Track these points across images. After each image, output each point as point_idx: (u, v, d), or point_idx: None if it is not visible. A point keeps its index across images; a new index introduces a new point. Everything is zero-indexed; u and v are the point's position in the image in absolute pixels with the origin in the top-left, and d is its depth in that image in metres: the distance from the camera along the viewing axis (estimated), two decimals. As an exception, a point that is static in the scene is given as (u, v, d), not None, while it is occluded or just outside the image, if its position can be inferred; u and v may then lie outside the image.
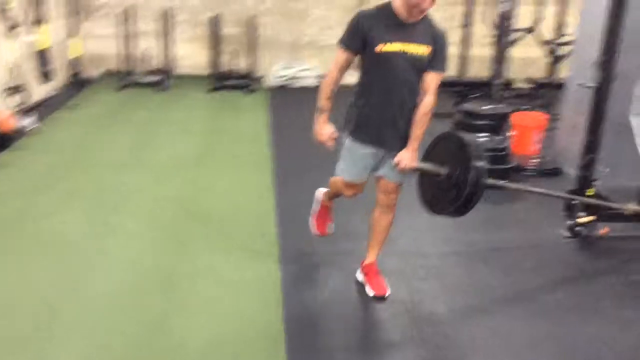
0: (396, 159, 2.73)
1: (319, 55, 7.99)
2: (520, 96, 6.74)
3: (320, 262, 3.37)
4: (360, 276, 3.12)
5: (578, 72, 4.64)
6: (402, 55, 2.63)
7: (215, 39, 7.60)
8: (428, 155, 2.84)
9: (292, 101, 7.25)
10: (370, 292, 3.00)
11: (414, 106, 2.72)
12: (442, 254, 3.50)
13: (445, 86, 5.36)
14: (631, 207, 3.52)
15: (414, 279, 3.21)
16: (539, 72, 7.47)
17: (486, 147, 4.38)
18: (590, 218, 3.60)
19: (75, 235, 3.58)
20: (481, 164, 2.60)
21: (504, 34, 5.82)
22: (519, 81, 7.19)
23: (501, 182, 3.16)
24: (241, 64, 7.88)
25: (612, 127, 3.96)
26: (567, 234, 3.68)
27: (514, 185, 3.90)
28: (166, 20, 7.52)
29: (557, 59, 6.97)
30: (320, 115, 2.78)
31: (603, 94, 3.52)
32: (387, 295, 2.98)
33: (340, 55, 2.71)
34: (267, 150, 5.27)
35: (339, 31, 2.75)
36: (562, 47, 6.80)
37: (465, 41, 7.24)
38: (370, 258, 3.08)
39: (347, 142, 2.85)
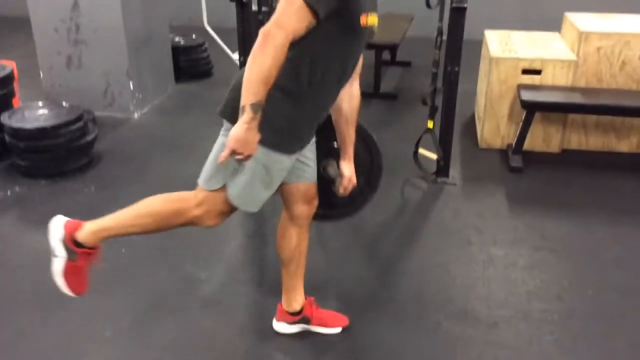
0: (346, 179, 2.13)
1: None
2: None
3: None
4: (288, 327, 2.41)
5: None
6: (370, 29, 1.87)
7: None
8: None
9: None
10: (331, 330, 2.41)
11: None
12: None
13: None
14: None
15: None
16: None
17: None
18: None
19: None
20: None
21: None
22: None
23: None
24: None
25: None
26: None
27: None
28: None
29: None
30: (253, 114, 1.65)
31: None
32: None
33: (303, 19, 1.67)
34: None
35: None
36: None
37: None
38: (302, 295, 2.38)
39: (263, 155, 1.83)
